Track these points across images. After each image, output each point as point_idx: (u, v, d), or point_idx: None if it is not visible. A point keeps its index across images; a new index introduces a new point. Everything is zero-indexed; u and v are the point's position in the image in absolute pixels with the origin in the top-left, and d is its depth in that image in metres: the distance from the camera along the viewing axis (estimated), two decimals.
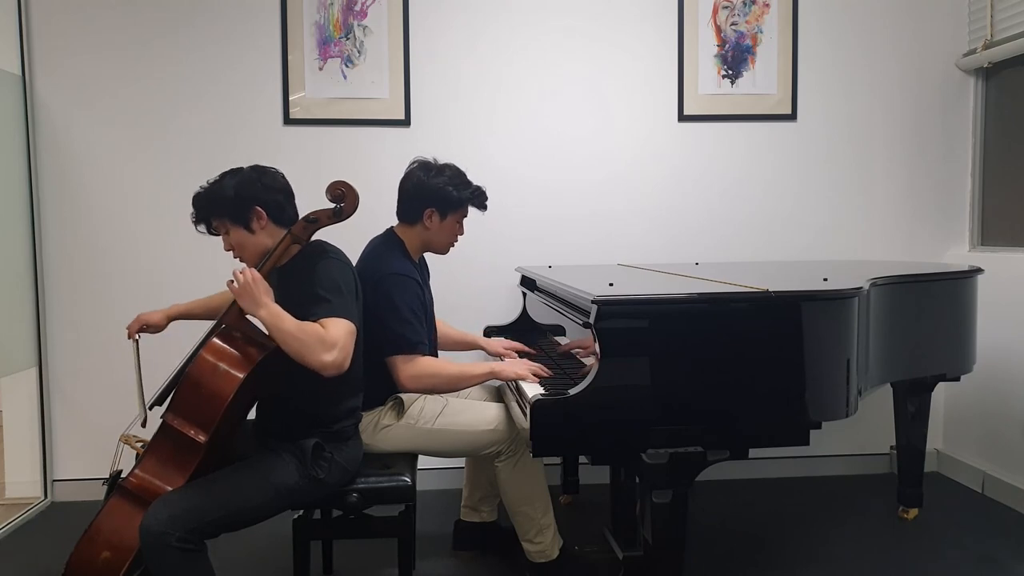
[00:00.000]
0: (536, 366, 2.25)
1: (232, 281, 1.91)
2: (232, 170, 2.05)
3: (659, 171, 3.44)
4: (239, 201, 1.99)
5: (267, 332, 1.88)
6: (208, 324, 2.24)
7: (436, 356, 2.47)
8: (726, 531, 2.93)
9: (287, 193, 2.08)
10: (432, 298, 2.50)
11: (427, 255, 2.55)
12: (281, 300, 1.94)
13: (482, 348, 2.71)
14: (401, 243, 2.41)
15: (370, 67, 3.30)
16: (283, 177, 2.08)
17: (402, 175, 2.44)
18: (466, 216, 2.46)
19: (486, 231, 3.34)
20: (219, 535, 1.87)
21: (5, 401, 3.34)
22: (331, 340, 1.86)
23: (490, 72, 3.36)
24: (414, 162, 2.44)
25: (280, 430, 2.03)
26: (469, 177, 2.46)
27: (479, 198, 2.45)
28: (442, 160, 2.45)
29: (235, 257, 2.06)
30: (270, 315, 1.87)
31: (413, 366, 2.23)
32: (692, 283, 2.25)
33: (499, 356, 2.60)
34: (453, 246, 2.49)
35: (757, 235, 3.50)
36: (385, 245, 2.40)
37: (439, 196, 2.37)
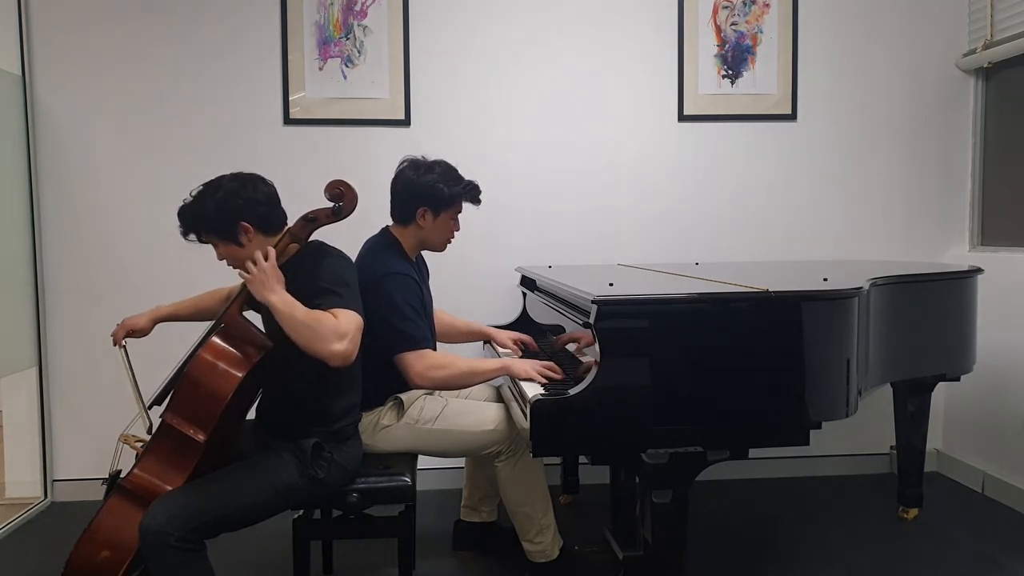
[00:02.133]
0: (549, 364, 2.22)
1: (248, 271, 1.90)
2: (214, 184, 1.99)
3: (659, 171, 3.44)
4: (223, 220, 1.96)
5: (277, 319, 1.86)
6: (195, 326, 2.24)
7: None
8: (726, 531, 2.93)
9: (271, 202, 2.01)
10: (431, 297, 2.50)
11: (426, 254, 2.55)
12: None
13: (490, 337, 2.70)
14: (397, 243, 2.40)
15: (370, 67, 3.30)
16: (264, 183, 2.02)
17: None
18: (460, 212, 2.44)
19: (486, 231, 3.35)
20: (219, 535, 1.87)
21: (5, 401, 3.34)
22: (343, 330, 1.84)
23: (490, 72, 3.36)
24: (404, 161, 2.42)
25: (280, 430, 2.03)
26: (468, 176, 2.45)
27: (471, 193, 2.42)
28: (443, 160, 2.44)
29: (229, 266, 2.05)
30: (281, 302, 1.85)
31: (424, 361, 2.21)
32: (692, 283, 2.25)
33: (507, 347, 2.60)
34: (450, 243, 2.47)
35: (757, 235, 3.50)
36: (381, 245, 2.39)
37: (430, 194, 2.35)
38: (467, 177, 2.45)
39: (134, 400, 2.12)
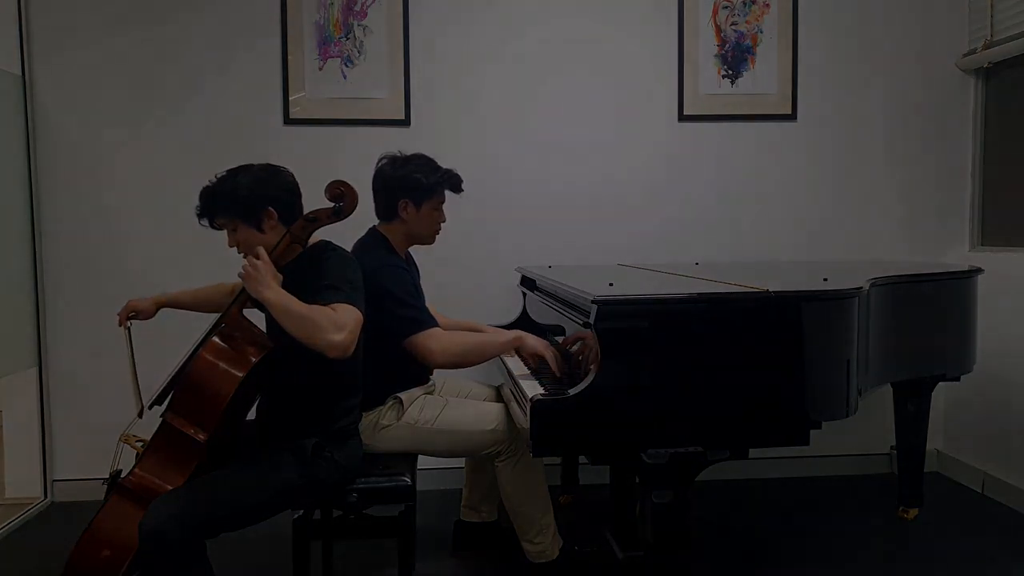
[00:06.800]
0: (557, 354, 2.22)
1: (243, 268, 1.89)
2: (243, 167, 2.01)
3: (659, 171, 3.44)
4: (252, 201, 1.97)
5: (274, 315, 1.85)
6: (197, 315, 2.27)
7: None
8: (726, 531, 2.93)
9: (297, 193, 2.06)
10: (424, 296, 2.49)
11: (426, 255, 2.55)
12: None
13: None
14: (385, 240, 2.40)
15: (370, 67, 3.30)
16: (292, 176, 2.07)
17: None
18: (443, 202, 2.44)
19: (486, 231, 3.35)
20: (219, 535, 1.86)
21: (5, 401, 3.33)
22: (341, 321, 1.83)
23: (490, 72, 3.36)
24: (383, 158, 2.42)
25: (280, 430, 2.03)
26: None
27: (451, 181, 2.42)
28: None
29: (240, 253, 2.04)
30: (277, 297, 1.84)
31: (437, 340, 2.22)
32: (692, 283, 2.25)
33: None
34: (438, 234, 2.47)
35: (757, 235, 3.50)
36: (370, 244, 2.39)
37: (409, 185, 2.35)
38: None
39: (131, 380, 2.20)
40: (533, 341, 2.26)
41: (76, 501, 3.23)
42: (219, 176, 2.01)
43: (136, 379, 2.21)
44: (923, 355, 2.67)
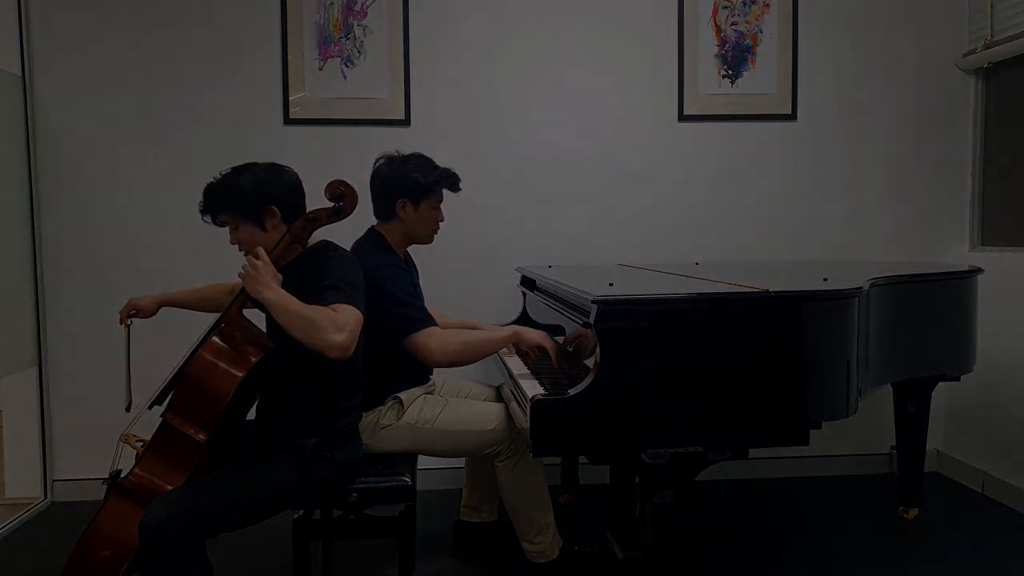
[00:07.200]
0: (555, 348, 2.23)
1: (243, 268, 1.89)
2: (248, 166, 2.01)
3: (659, 171, 3.44)
4: (255, 199, 1.97)
5: (274, 315, 1.85)
6: (197, 315, 2.27)
7: None
8: (726, 531, 2.93)
9: (300, 193, 2.06)
10: (422, 296, 2.49)
11: (423, 254, 2.55)
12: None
13: None
14: (384, 239, 2.41)
15: (370, 67, 3.30)
16: (296, 176, 2.06)
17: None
18: (441, 201, 2.44)
19: (486, 231, 3.35)
20: (219, 535, 1.86)
21: (5, 401, 3.33)
22: (341, 322, 1.83)
23: (489, 72, 3.36)
24: (380, 158, 2.42)
25: (280, 430, 2.03)
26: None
27: (449, 180, 2.42)
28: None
29: (241, 251, 2.04)
30: (277, 297, 1.83)
31: (435, 338, 2.22)
32: (692, 283, 2.25)
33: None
34: (436, 233, 2.47)
35: (757, 235, 3.50)
36: (368, 244, 2.40)
37: (407, 185, 2.36)
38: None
39: (124, 381, 2.23)
40: (531, 334, 2.27)
41: (76, 501, 3.23)
42: (223, 173, 2.02)
43: (129, 375, 2.24)
44: (923, 355, 2.67)
